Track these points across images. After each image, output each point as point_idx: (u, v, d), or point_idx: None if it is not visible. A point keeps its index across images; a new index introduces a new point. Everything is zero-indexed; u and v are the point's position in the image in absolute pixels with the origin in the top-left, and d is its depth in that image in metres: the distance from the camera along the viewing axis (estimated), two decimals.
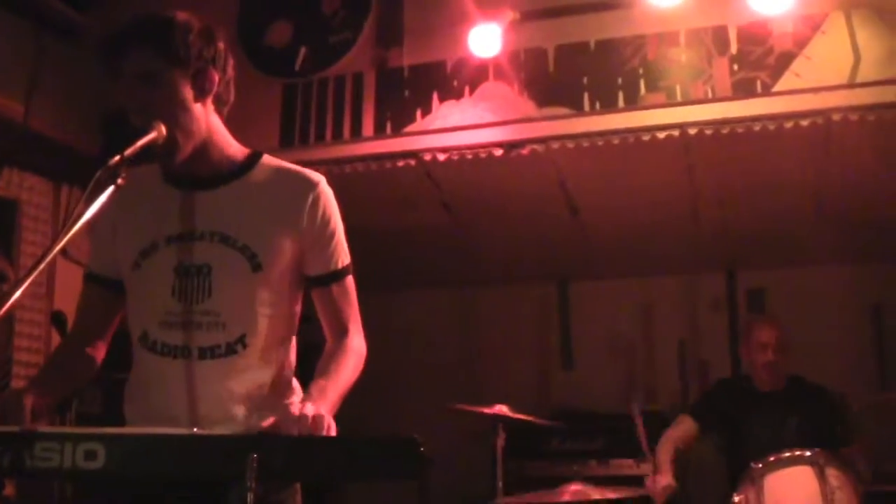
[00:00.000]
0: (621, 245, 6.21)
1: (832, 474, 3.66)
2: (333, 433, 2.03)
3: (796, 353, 4.93)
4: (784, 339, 4.85)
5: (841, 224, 5.72)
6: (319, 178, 2.48)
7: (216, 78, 2.40)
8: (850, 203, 5.49)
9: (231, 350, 2.36)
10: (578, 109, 5.03)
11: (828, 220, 5.69)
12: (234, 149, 2.50)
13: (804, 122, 4.67)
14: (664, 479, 4.51)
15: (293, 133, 5.42)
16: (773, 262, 6.29)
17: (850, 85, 4.60)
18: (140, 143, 2.19)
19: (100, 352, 2.52)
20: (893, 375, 5.82)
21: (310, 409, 2.03)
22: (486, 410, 4.50)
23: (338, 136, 5.34)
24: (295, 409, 2.04)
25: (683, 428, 4.88)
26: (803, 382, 4.87)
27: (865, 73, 4.56)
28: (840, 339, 6.07)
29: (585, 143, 5.00)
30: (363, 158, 5.29)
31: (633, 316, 6.67)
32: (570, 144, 5.04)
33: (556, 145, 5.06)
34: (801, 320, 5.31)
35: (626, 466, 5.89)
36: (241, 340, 2.37)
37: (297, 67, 5.43)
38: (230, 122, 2.53)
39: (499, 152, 5.10)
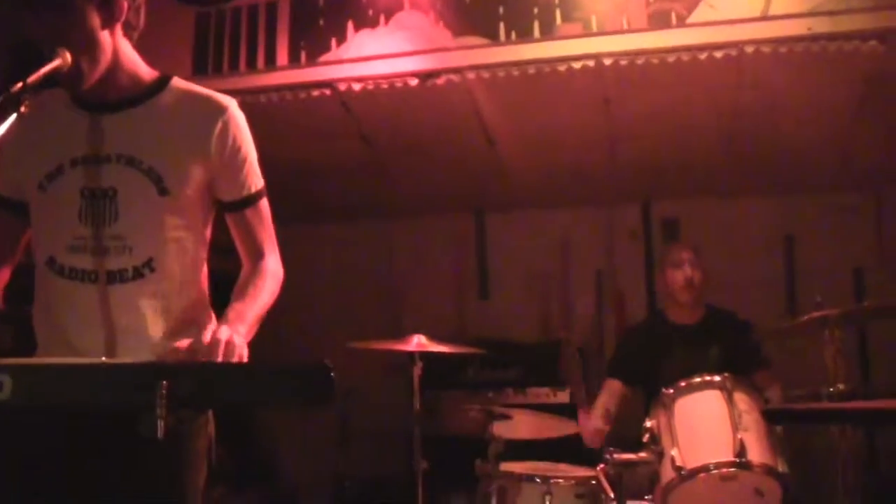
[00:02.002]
0: (538, 176, 6.24)
1: (740, 398, 3.74)
2: (244, 359, 2.03)
3: (710, 282, 4.99)
4: (698, 261, 4.89)
5: (754, 156, 5.81)
6: (230, 102, 2.44)
7: (124, 5, 2.35)
8: (763, 135, 5.57)
9: (138, 274, 2.33)
10: (494, 39, 5.01)
11: (741, 151, 5.77)
12: (144, 72, 2.45)
13: (718, 54, 4.72)
14: (596, 421, 4.54)
15: (206, 62, 5.34)
16: (687, 193, 6.37)
17: (763, 17, 4.65)
18: (43, 70, 2.14)
19: (2, 276, 2.48)
20: (802, 305, 5.95)
21: (224, 334, 2.02)
22: (403, 347, 4.51)
23: (251, 66, 5.27)
24: (208, 334, 2.02)
25: (610, 392, 4.85)
26: (718, 312, 4.93)
27: (778, 6, 4.62)
28: (752, 270, 6.19)
29: (501, 73, 4.99)
30: (278, 88, 5.23)
31: (550, 247, 6.73)
32: (486, 74, 5.03)
33: (471, 75, 5.04)
34: (715, 251, 5.38)
35: (543, 395, 5.99)
36: (149, 264, 2.34)
37: None
38: (142, 51, 2.47)
39: (414, 82, 5.07)
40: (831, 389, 3.89)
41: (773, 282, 6.26)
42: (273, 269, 2.47)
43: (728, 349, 4.68)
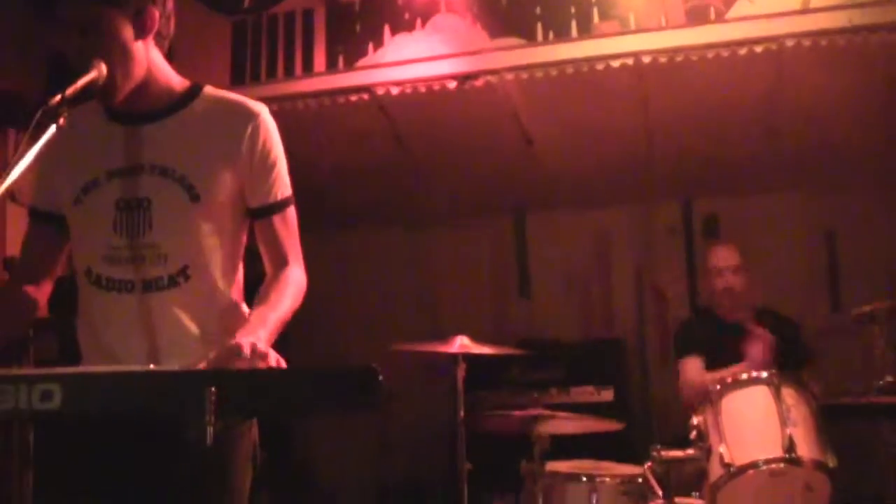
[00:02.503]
0: (576, 175, 6.21)
1: (787, 393, 3.71)
2: (276, 363, 2.04)
3: (753, 277, 4.96)
4: (741, 264, 4.87)
5: (794, 150, 5.75)
6: (261, 108, 2.45)
7: (156, 15, 2.37)
8: (803, 129, 5.52)
9: (173, 282, 2.35)
10: (531, 39, 5.01)
11: (781, 146, 5.71)
12: (175, 82, 2.46)
13: (758, 49, 4.69)
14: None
15: (244, 70, 5.37)
16: (727, 189, 6.32)
17: (803, 11, 4.61)
18: (80, 83, 2.17)
19: (43, 290, 2.51)
20: (845, 301, 5.89)
21: (247, 343, 2.03)
22: (446, 349, 4.51)
23: (289, 73, 5.30)
24: (234, 343, 2.04)
25: (694, 365, 4.83)
26: (765, 312, 4.89)
27: None
28: (794, 266, 6.13)
29: (539, 74, 4.98)
30: (316, 94, 5.25)
31: (589, 245, 6.70)
32: (524, 75, 5.02)
33: (509, 76, 5.04)
34: (756, 247, 5.34)
35: (587, 394, 5.97)
36: (184, 272, 2.35)
37: (245, 4, 5.36)
38: (179, 63, 2.50)
39: (452, 84, 5.07)
40: (881, 382, 3.87)
41: (814, 279, 6.19)
42: (296, 278, 2.46)
43: (776, 348, 4.65)
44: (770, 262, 5.75)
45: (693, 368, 4.74)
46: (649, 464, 4.00)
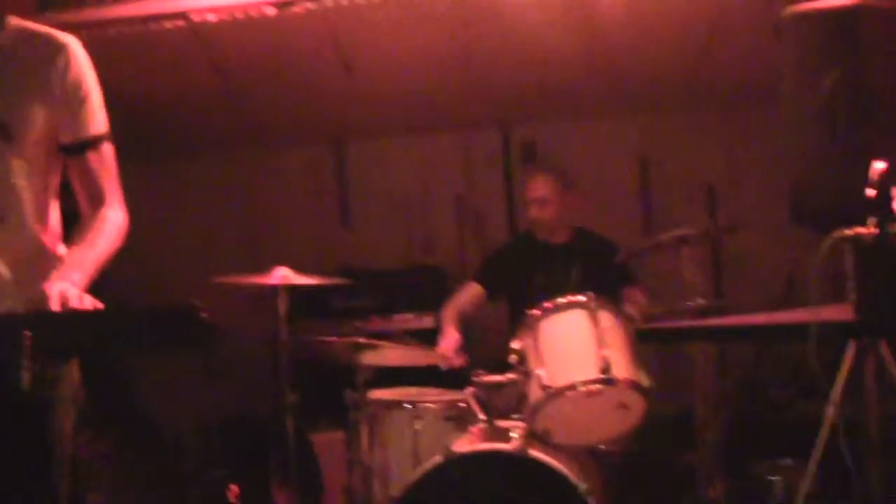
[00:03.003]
0: (397, 102, 6.19)
1: (604, 316, 3.82)
2: (90, 305, 1.98)
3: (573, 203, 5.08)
4: (552, 193, 4.97)
5: (611, 76, 5.88)
6: (69, 40, 2.35)
7: None
8: (620, 53, 5.63)
9: None
10: None
11: (599, 71, 5.82)
12: None
13: None
14: (446, 340, 4.65)
15: None
16: (545, 116, 6.42)
17: None
18: None
19: None
20: (658, 223, 6.12)
21: (56, 290, 1.97)
22: (267, 280, 4.47)
23: None
24: (45, 288, 1.98)
25: (469, 293, 4.99)
26: (586, 233, 5.04)
27: None
28: (609, 190, 6.31)
29: (361, 1, 4.92)
30: (128, 21, 5.04)
31: (411, 173, 6.70)
32: (345, 2, 4.95)
33: (329, 3, 4.96)
34: (573, 172, 5.47)
35: (408, 320, 6.03)
36: None
37: None
38: None
39: (271, 11, 4.96)
40: (689, 304, 4.04)
41: (629, 201, 6.40)
42: (114, 218, 2.39)
43: (594, 269, 4.80)
44: (587, 187, 5.90)
45: (455, 301, 4.94)
46: (471, 389, 4.09)
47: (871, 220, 1.45)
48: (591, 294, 3.89)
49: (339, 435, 4.78)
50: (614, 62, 5.71)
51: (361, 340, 4.41)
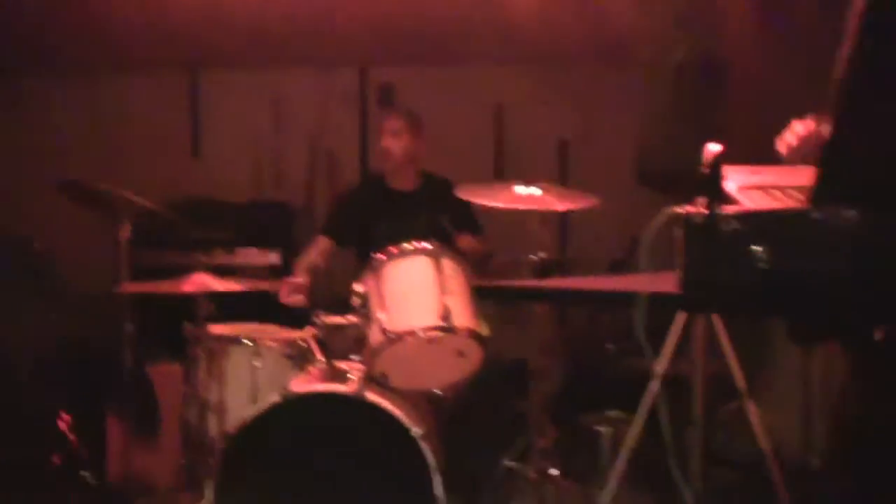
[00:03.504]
0: (254, 33, 6.07)
1: (447, 264, 3.85)
2: None
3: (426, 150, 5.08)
4: (403, 129, 4.96)
5: (471, 26, 5.88)
6: None
7: None
8: (480, 6, 5.65)
9: None
10: None
11: (459, 23, 5.83)
12: None
13: None
14: (294, 281, 4.60)
15: None
16: (405, 59, 6.38)
17: None
18: None
19: None
20: (510, 174, 6.17)
21: None
22: (109, 207, 4.35)
23: None
24: None
25: (318, 247, 4.94)
26: (434, 179, 5.05)
27: None
28: (463, 138, 6.33)
29: None
30: None
31: (264, 107, 6.58)
32: None
33: None
34: (428, 118, 5.46)
35: (253, 256, 5.96)
36: None
37: None
38: None
39: None
40: (532, 257, 4.10)
41: (483, 150, 6.45)
42: None
43: (442, 215, 4.81)
44: (441, 133, 5.90)
45: (306, 257, 4.93)
46: (311, 329, 4.08)
47: (701, 200, 1.48)
48: (435, 242, 3.92)
49: (177, 368, 4.71)
50: (476, 12, 5.71)
51: (202, 276, 4.33)
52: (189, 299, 4.32)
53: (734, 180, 1.74)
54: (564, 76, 6.27)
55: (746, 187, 1.72)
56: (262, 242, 6.01)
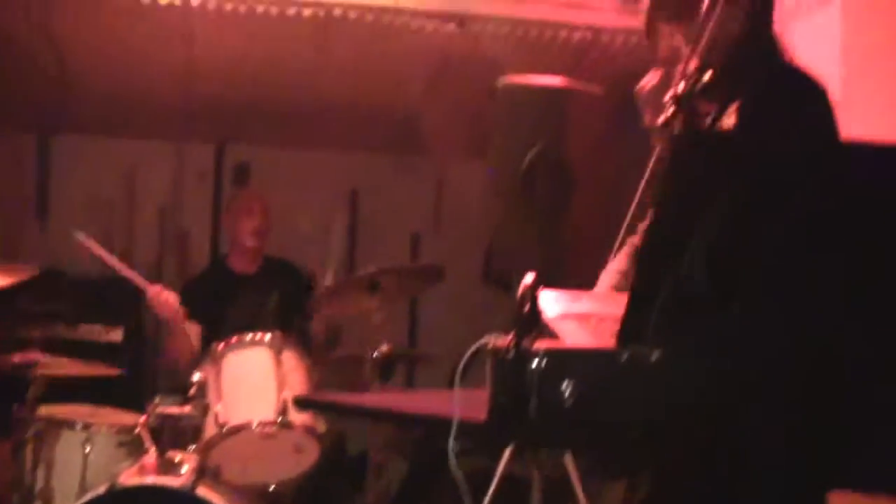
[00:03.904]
0: (111, 103, 5.97)
1: (288, 357, 3.82)
2: None
3: (276, 231, 5.05)
4: (262, 215, 4.92)
5: (329, 112, 5.92)
6: None
7: None
8: (340, 95, 5.70)
9: None
10: None
11: (318, 106, 5.86)
12: None
13: (306, 12, 4.73)
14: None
15: None
16: (261, 139, 6.38)
17: None
18: None
19: None
20: (361, 262, 6.20)
21: None
22: None
23: None
24: None
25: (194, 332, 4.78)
26: (276, 261, 5.01)
27: None
28: (317, 222, 6.33)
29: None
30: None
31: (117, 177, 6.46)
32: None
33: None
34: (283, 200, 5.45)
35: (96, 332, 5.79)
36: None
37: None
38: None
39: None
40: (375, 354, 4.09)
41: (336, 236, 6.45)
42: None
43: (286, 299, 4.78)
44: (295, 216, 5.89)
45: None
46: (144, 417, 3.96)
47: (513, 333, 1.51)
48: (277, 332, 3.89)
49: (6, 447, 4.50)
50: (336, 97, 5.75)
51: (36, 355, 4.16)
52: (21, 377, 4.14)
53: (553, 308, 1.77)
54: (420, 166, 6.35)
55: (564, 316, 1.75)
56: (107, 318, 5.83)
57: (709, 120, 2.10)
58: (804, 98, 2.09)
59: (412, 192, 6.39)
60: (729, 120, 2.11)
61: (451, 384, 1.87)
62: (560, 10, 4.89)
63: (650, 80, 2.22)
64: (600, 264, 3.52)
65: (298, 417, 3.68)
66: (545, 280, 3.62)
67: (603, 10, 4.94)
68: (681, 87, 1.91)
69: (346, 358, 4.56)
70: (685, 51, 2.01)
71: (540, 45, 5.02)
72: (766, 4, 2.23)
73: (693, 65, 1.91)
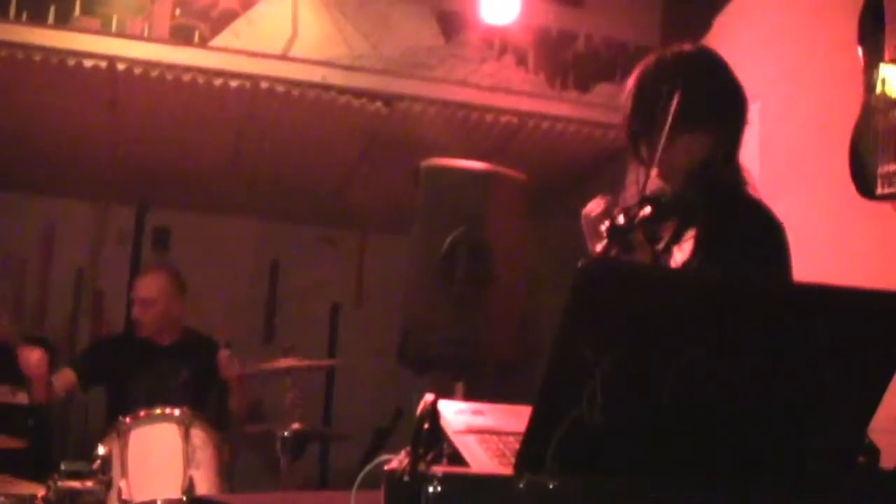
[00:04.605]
0: (31, 160, 5.88)
1: (196, 434, 3.76)
2: None
3: (193, 297, 4.99)
4: (166, 292, 4.84)
5: (253, 180, 5.92)
6: None
7: None
8: (264, 165, 5.71)
9: None
10: (2, 14, 4.64)
11: (242, 175, 5.85)
12: None
13: (233, 83, 4.73)
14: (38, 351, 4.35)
15: None
16: (183, 204, 6.33)
17: (283, 57, 4.73)
18: None
19: None
20: (281, 332, 6.17)
21: None
22: None
23: None
24: None
25: (62, 378, 4.66)
26: (194, 335, 4.93)
27: (299, 50, 4.73)
28: (237, 291, 6.28)
29: (3, 53, 4.64)
30: None
31: (33, 235, 6.34)
32: None
33: None
34: (202, 267, 5.40)
35: (3, 393, 5.63)
36: None
37: None
38: None
39: None
40: (286, 433, 4.04)
41: (255, 305, 6.39)
42: None
43: (198, 373, 4.70)
44: (215, 284, 5.83)
45: (58, 377, 4.62)
46: (43, 492, 3.85)
47: (408, 453, 1.50)
48: (186, 408, 3.83)
49: None
50: (260, 169, 5.76)
51: None
52: None
53: (453, 421, 1.76)
54: (343, 237, 6.36)
55: (463, 431, 1.75)
56: (15, 380, 5.67)
57: (662, 244, 2.12)
58: (762, 233, 2.12)
59: (333, 264, 6.38)
60: (685, 244, 2.13)
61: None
62: (487, 94, 4.97)
63: (595, 207, 2.24)
64: (515, 346, 3.55)
65: (206, 494, 3.62)
66: (459, 367, 3.62)
67: (530, 95, 5.03)
68: (620, 218, 1.93)
69: (258, 434, 4.50)
70: (640, 174, 2.03)
71: (466, 128, 5.07)
72: (734, 131, 2.27)
73: (634, 196, 1.94)
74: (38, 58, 4.65)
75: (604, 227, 1.95)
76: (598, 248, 1.95)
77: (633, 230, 1.92)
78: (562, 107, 5.09)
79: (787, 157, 3.96)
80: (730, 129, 2.25)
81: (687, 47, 2.31)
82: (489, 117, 5.02)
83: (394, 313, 5.61)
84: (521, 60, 4.97)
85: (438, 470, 1.46)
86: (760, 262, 2.06)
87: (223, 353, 4.63)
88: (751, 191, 2.23)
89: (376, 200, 5.86)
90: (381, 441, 5.77)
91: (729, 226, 2.11)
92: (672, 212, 1.99)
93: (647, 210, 1.90)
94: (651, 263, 2.02)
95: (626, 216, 1.92)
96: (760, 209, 2.17)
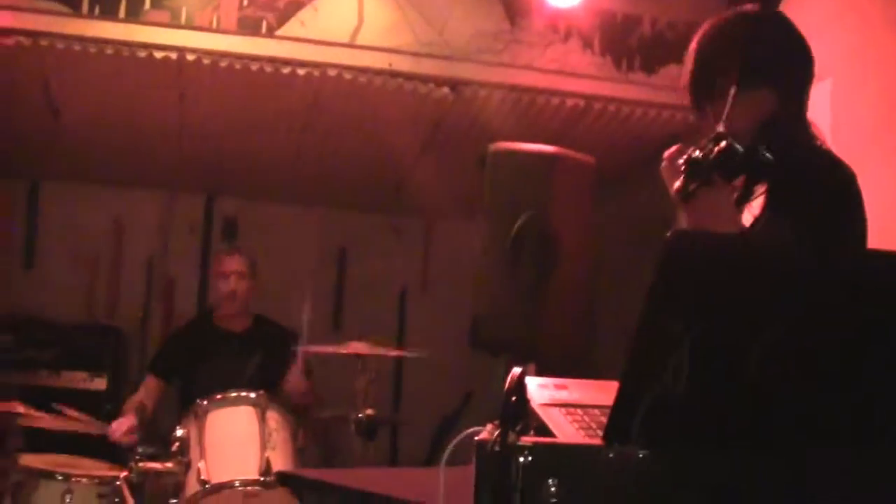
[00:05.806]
0: (103, 153, 6.00)
1: (272, 416, 3.84)
2: None
3: (261, 285, 5.06)
4: (245, 271, 4.93)
5: (319, 170, 5.97)
6: None
7: None
8: (330, 153, 5.75)
9: None
10: (76, 10, 4.75)
11: (307, 164, 5.90)
12: None
13: (300, 71, 4.78)
14: (126, 422, 4.43)
15: None
16: (250, 194, 6.41)
17: (350, 45, 4.77)
18: None
19: None
20: (348, 320, 6.23)
21: None
22: None
23: None
24: None
25: (147, 387, 4.77)
26: (266, 322, 5.01)
27: (365, 38, 4.76)
28: (304, 279, 6.32)
29: (77, 47, 4.74)
30: None
31: (105, 227, 6.46)
32: (61, 45, 4.75)
33: (45, 42, 4.75)
34: (270, 256, 5.46)
35: (79, 380, 5.76)
36: None
37: None
38: None
39: None
40: (360, 415, 4.08)
41: (323, 293, 6.44)
42: None
43: (271, 359, 4.77)
44: (282, 272, 5.90)
45: (136, 397, 4.76)
46: (126, 473, 3.94)
47: (498, 425, 1.51)
48: (262, 392, 3.89)
49: None
50: (324, 157, 5.81)
51: (15, 406, 4.15)
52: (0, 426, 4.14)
53: (537, 395, 1.78)
54: (408, 225, 6.39)
55: (548, 404, 1.77)
56: (91, 366, 5.81)
57: (735, 197, 2.10)
58: (836, 187, 2.08)
59: (401, 252, 6.42)
60: (756, 201, 2.11)
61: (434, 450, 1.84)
62: (552, 78, 4.96)
63: (672, 150, 2.22)
64: (581, 335, 3.55)
65: (294, 471, 3.68)
66: (529, 351, 3.64)
67: (595, 79, 5.01)
68: (696, 153, 1.93)
69: (329, 419, 4.56)
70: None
71: (532, 113, 5.07)
72: (800, 88, 2.23)
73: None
74: (110, 51, 4.73)
75: (681, 160, 1.95)
76: (677, 184, 1.95)
77: (710, 164, 1.91)
78: (628, 89, 5.07)
79: (859, 135, 3.92)
80: (796, 85, 2.21)
81: (749, 7, 2.29)
82: (555, 101, 5.01)
83: (460, 299, 5.65)
84: (587, 44, 4.96)
85: (528, 440, 1.48)
86: (834, 219, 2.02)
87: (294, 372, 4.67)
88: (823, 146, 2.19)
89: (441, 187, 5.88)
90: (450, 426, 5.83)
91: (801, 180, 2.06)
92: (745, 158, 1.96)
93: (723, 144, 1.89)
94: (735, 231, 1.99)
95: (702, 150, 1.92)
96: (834, 163, 2.13)
